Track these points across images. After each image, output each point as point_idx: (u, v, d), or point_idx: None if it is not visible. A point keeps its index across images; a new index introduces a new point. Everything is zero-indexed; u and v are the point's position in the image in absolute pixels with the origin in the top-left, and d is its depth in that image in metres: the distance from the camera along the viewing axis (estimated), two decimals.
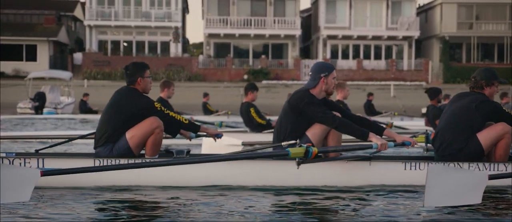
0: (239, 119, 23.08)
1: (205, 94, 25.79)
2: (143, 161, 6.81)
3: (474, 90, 7.31)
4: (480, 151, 7.09)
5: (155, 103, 7.20)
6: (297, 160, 6.60)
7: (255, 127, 13.37)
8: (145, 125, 7.07)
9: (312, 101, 6.98)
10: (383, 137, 7.09)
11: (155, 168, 6.59)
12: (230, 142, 10.42)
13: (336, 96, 13.10)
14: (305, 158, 6.59)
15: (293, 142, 6.83)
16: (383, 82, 48.72)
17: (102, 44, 54.83)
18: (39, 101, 27.95)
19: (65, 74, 35.23)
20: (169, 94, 13.02)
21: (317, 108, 6.95)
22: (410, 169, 7.01)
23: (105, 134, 7.11)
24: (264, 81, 49.07)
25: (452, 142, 7.10)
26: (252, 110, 13.28)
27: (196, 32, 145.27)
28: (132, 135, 7.06)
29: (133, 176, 6.77)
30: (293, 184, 6.87)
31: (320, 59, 53.02)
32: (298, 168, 6.67)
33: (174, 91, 13.32)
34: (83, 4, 62.27)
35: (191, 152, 7.42)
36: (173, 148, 7.41)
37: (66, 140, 8.74)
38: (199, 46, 72.72)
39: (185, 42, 60.13)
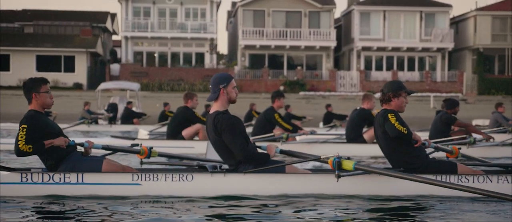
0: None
1: (165, 104, 26.35)
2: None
3: (383, 104, 7.71)
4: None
5: (22, 125, 6.78)
6: (336, 172, 6.73)
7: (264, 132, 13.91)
8: (119, 166, 7.12)
9: (232, 130, 7.02)
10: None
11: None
12: None
13: (362, 104, 13.66)
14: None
15: (332, 156, 6.89)
16: (419, 94, 48.84)
17: (136, 56, 55.58)
18: (113, 112, 28.56)
19: (134, 85, 35.94)
20: (193, 105, 13.79)
21: (237, 140, 7.01)
22: (440, 179, 7.20)
23: (48, 157, 6.99)
24: (301, 93, 49.40)
25: (407, 161, 7.44)
26: (276, 115, 13.91)
27: (218, 43, 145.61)
28: (109, 163, 7.06)
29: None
30: (332, 194, 7.10)
31: (354, 70, 53.34)
32: (337, 181, 6.81)
33: (198, 102, 14.01)
34: (113, 16, 62.95)
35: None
36: (205, 163, 7.52)
37: (111, 151, 7.99)
38: (220, 56, 72.66)
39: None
